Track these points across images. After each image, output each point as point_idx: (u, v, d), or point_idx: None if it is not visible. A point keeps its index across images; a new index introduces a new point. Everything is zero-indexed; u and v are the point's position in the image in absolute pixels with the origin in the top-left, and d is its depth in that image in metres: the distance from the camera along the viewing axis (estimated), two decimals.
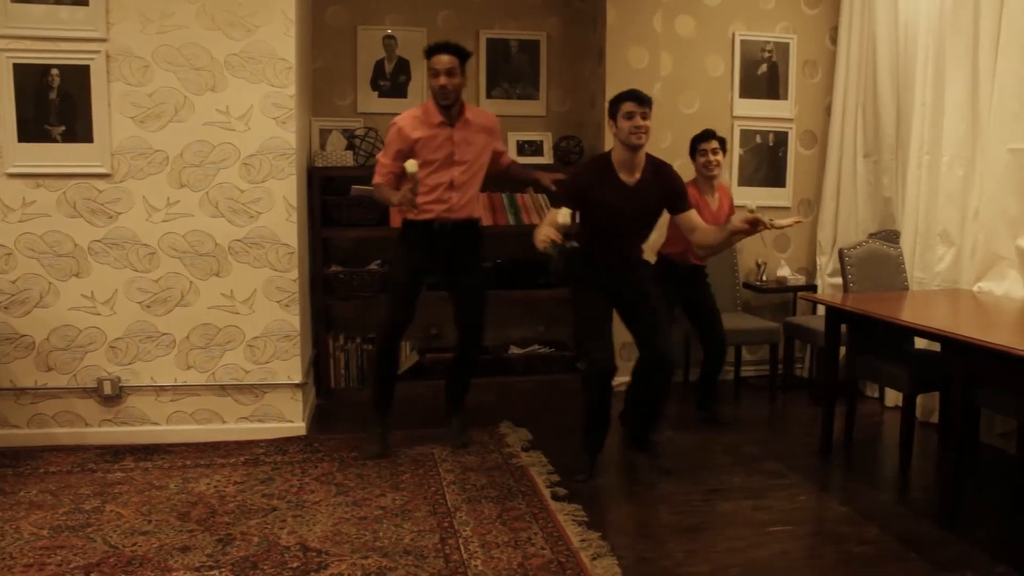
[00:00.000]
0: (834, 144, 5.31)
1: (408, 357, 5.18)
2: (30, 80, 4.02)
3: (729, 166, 5.43)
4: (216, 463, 3.97)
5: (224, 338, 4.28)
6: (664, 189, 3.71)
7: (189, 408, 4.30)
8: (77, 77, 4.05)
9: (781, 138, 5.42)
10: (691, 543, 3.17)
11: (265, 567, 2.91)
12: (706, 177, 4.56)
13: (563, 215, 3.33)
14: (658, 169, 3.73)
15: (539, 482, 3.75)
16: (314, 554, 3.01)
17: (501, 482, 3.76)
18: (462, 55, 3.92)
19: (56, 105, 4.06)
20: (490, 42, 5.34)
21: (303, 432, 4.39)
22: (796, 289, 5.26)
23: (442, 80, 3.85)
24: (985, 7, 4.16)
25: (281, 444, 4.25)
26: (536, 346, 5.38)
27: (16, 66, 4.00)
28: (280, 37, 4.17)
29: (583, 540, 3.16)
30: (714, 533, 3.28)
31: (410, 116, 3.98)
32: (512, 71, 5.38)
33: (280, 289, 4.30)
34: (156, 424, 4.28)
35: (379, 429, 4.15)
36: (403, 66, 5.26)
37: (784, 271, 5.32)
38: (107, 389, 4.20)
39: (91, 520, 3.31)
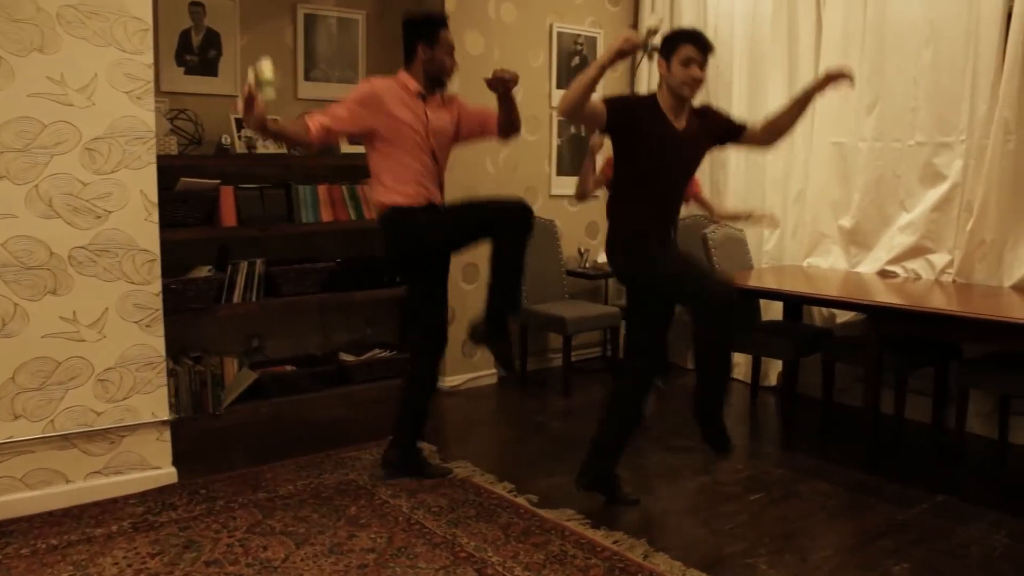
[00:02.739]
0: None
1: (243, 376, 4.45)
2: None
3: (548, 156, 5.50)
4: (95, 536, 3.05)
5: (66, 374, 3.29)
6: (712, 131, 3.25)
7: (18, 470, 3.24)
8: None
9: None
10: (694, 522, 3.26)
11: None
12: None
13: (655, 20, 3.03)
14: (701, 113, 3.25)
15: (500, 491, 3.51)
16: None
17: (462, 498, 3.44)
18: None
19: None
20: (308, 18, 4.75)
21: (175, 479, 3.57)
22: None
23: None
24: (803, 20, 4.76)
25: (157, 497, 3.40)
26: (376, 350, 4.95)
27: None
28: None
29: (615, 541, 3.05)
30: (707, 510, 3.39)
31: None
32: (331, 52, 4.85)
33: (140, 306, 3.42)
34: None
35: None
36: (213, 39, 4.46)
37: (603, 257, 5.55)
38: None
39: None
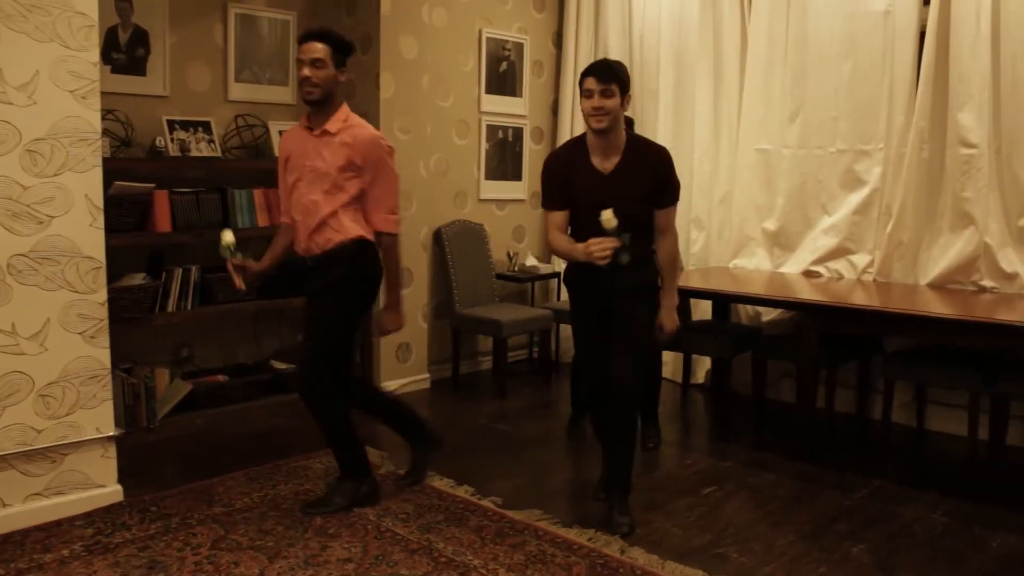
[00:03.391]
0: (564, 140, 5.74)
1: (177, 387, 4.27)
2: None
3: (477, 161, 5.52)
4: (46, 562, 2.87)
5: (4, 390, 3.08)
6: (649, 177, 3.12)
7: None
8: None
9: (517, 133, 5.67)
10: (658, 516, 3.36)
11: None
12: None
13: (608, 219, 2.91)
14: (646, 153, 3.16)
15: (463, 494, 3.51)
16: None
17: (427, 503, 3.42)
18: (341, 47, 3.26)
19: None
20: (239, 18, 4.61)
21: (121, 497, 3.39)
22: (548, 276, 5.60)
23: (305, 71, 3.19)
24: (727, 32, 4.98)
25: (105, 517, 3.23)
26: None
27: None
28: None
29: (590, 538, 3.11)
30: (667, 504, 3.49)
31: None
32: (263, 53, 4.72)
33: (84, 316, 3.24)
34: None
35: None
36: (140, 36, 4.25)
37: (532, 260, 5.61)
38: None
39: None
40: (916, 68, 4.33)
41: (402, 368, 5.06)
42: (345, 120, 3.26)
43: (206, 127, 4.40)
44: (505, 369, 5.15)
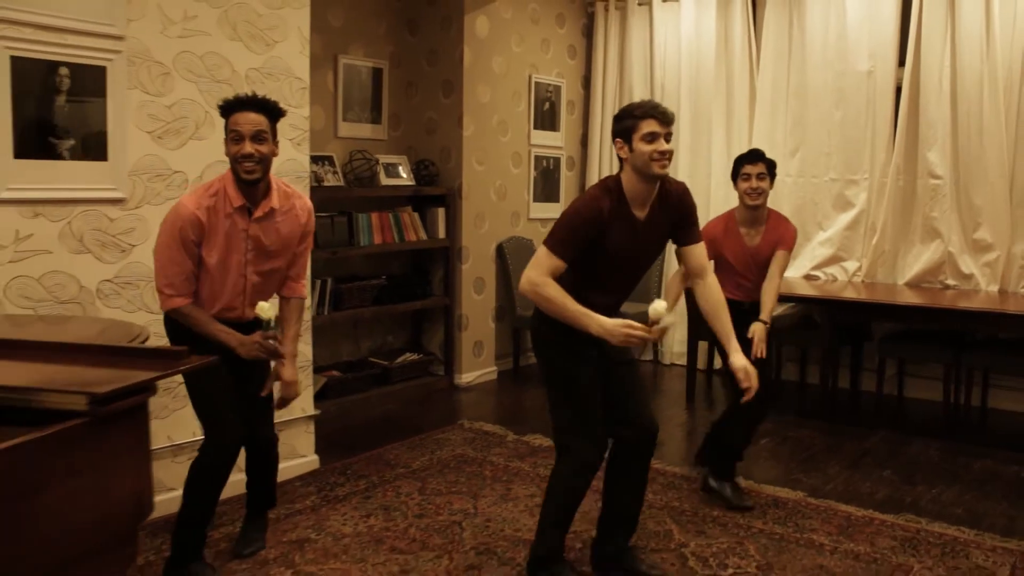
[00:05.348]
0: (593, 168, 6.78)
1: (314, 381, 5.07)
2: (34, 80, 3.15)
3: (528, 186, 6.45)
4: (297, 510, 3.70)
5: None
6: (672, 216, 2.93)
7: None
8: (91, 80, 3.31)
9: (556, 163, 6.66)
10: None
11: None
12: (747, 207, 3.89)
13: (660, 310, 2.63)
14: (666, 193, 2.91)
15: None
16: None
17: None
18: (274, 114, 2.99)
19: (65, 113, 3.25)
20: (346, 67, 5.46)
21: (318, 464, 4.22)
22: None
23: (247, 147, 2.87)
24: (738, 83, 6.11)
25: (318, 479, 4.06)
26: (408, 354, 5.72)
27: (15, 60, 3.10)
28: (296, 56, 3.98)
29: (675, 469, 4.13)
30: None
31: (200, 196, 2.96)
32: (362, 96, 5.58)
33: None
34: (173, 489, 3.66)
35: None
36: None
37: None
38: None
39: None
40: (894, 116, 5.57)
41: (476, 362, 5.99)
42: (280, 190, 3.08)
43: (331, 161, 5.24)
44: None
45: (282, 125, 3.88)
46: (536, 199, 6.51)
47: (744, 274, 3.94)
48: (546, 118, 6.53)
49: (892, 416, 5.35)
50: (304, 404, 4.16)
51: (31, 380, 1.71)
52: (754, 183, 3.83)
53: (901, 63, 5.55)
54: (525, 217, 6.43)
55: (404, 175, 5.60)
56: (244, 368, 3.09)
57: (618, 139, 2.85)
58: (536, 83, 6.38)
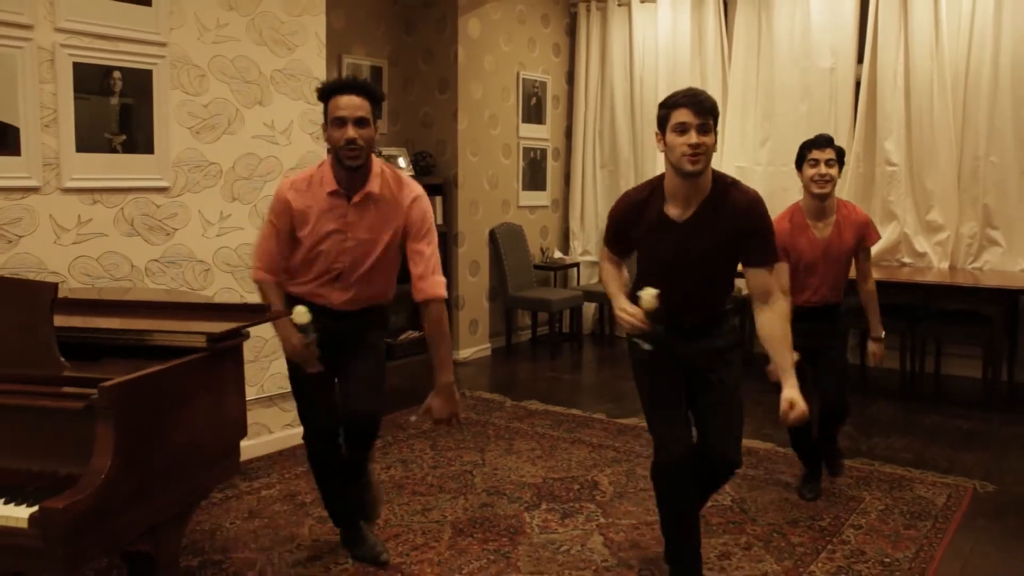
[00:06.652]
0: (577, 158, 7.26)
1: None
2: (91, 83, 3.56)
3: (517, 176, 6.88)
4: None
5: (269, 349, 4.31)
6: (732, 226, 2.63)
7: None
8: (139, 82, 3.72)
9: (543, 153, 7.12)
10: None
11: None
12: (814, 197, 3.51)
13: (648, 298, 2.56)
14: (728, 199, 2.63)
15: (576, 412, 4.96)
16: None
17: (558, 419, 4.85)
18: (375, 97, 2.87)
19: (118, 112, 3.66)
20: (350, 66, 5.89)
21: None
22: (569, 266, 7.08)
23: (350, 132, 2.75)
24: (711, 78, 6.60)
25: None
26: (409, 331, 6.18)
27: (77, 66, 3.51)
28: (314, 58, 4.40)
29: None
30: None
31: (297, 179, 2.94)
32: None
33: None
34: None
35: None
36: None
37: (558, 253, 7.08)
38: None
39: None
40: (854, 109, 6.09)
41: (473, 339, 6.45)
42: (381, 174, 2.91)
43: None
44: (554, 337, 6.62)
45: (301, 120, 4.39)
46: (525, 188, 6.98)
47: (817, 272, 3.58)
48: (533, 112, 6.99)
49: (854, 383, 5.84)
50: None
51: (152, 327, 2.15)
52: (822, 169, 3.47)
53: (860, 60, 6.07)
54: (515, 205, 6.89)
55: (404, 166, 6.04)
56: (342, 345, 2.99)
57: (657, 131, 2.65)
58: (524, 79, 6.84)
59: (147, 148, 3.80)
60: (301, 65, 4.36)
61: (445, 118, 6.22)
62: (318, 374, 2.94)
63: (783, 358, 2.66)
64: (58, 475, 1.74)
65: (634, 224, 2.72)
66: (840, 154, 3.54)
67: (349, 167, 2.80)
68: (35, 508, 1.60)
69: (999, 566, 3.17)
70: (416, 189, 2.98)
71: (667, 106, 2.59)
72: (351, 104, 2.76)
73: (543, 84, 7.06)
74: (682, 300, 2.70)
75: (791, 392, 2.59)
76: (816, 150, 3.51)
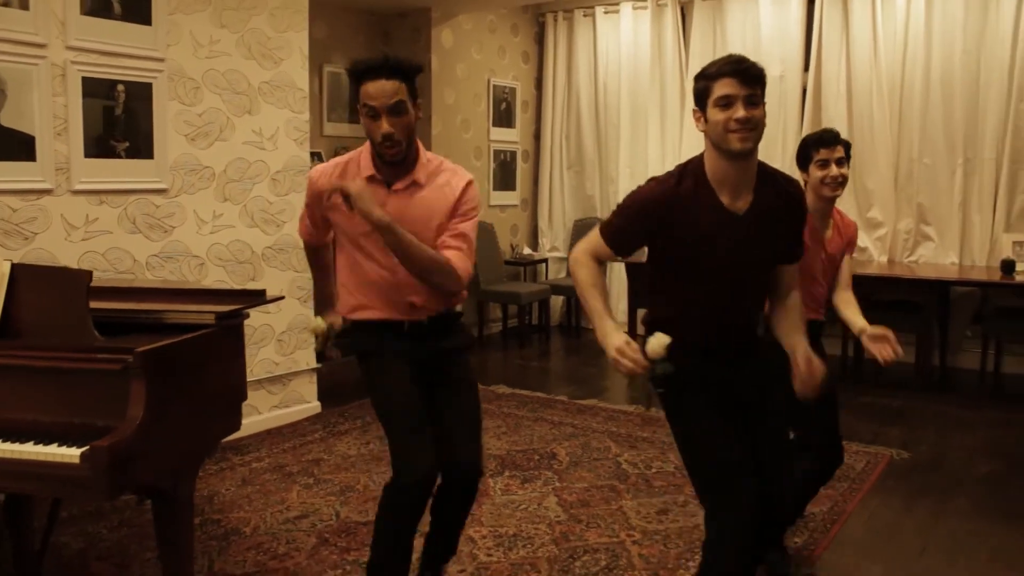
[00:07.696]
0: (545, 160, 7.70)
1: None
2: (98, 95, 3.95)
3: (488, 177, 7.31)
4: (309, 441, 4.56)
5: (258, 336, 4.71)
6: (788, 218, 2.35)
7: None
8: (140, 94, 4.11)
9: (513, 155, 7.55)
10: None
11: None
12: (825, 200, 3.02)
13: (657, 347, 2.17)
14: (776, 184, 2.34)
15: (540, 394, 5.39)
16: None
17: (524, 400, 5.28)
18: (410, 75, 2.50)
19: (121, 121, 4.05)
20: (329, 75, 6.29)
21: (320, 409, 5.06)
22: (537, 262, 7.51)
23: (384, 126, 2.42)
24: (670, 84, 7.05)
25: (321, 420, 4.92)
26: None
27: (85, 80, 3.90)
28: (298, 70, 4.81)
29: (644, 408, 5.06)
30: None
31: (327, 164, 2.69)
32: (344, 99, 6.41)
33: (300, 287, 4.90)
34: None
35: None
36: None
37: (528, 250, 7.52)
38: None
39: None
40: (801, 114, 6.56)
41: None
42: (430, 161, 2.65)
43: (319, 156, 6.06)
44: (524, 328, 7.04)
45: (287, 127, 4.80)
46: (496, 188, 7.40)
47: (820, 279, 3.12)
48: (503, 116, 7.42)
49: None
50: (308, 359, 5.00)
51: (167, 308, 2.55)
52: (834, 171, 2.95)
53: (807, 68, 6.54)
54: (486, 204, 7.31)
55: None
56: (439, 372, 2.59)
57: (695, 108, 2.29)
58: (494, 86, 7.27)
59: (148, 154, 4.19)
60: (286, 77, 4.76)
61: (420, 123, 6.57)
62: (408, 391, 2.51)
63: (800, 343, 2.34)
64: (96, 426, 2.13)
65: (673, 224, 2.25)
66: (848, 149, 3.06)
67: (390, 163, 2.49)
68: (85, 448, 2.00)
69: (900, 515, 3.63)
70: (466, 176, 2.69)
71: (707, 77, 2.23)
72: (383, 92, 2.40)
73: (513, 90, 7.49)
74: (734, 310, 2.35)
75: (804, 350, 2.30)
76: (825, 149, 2.98)
